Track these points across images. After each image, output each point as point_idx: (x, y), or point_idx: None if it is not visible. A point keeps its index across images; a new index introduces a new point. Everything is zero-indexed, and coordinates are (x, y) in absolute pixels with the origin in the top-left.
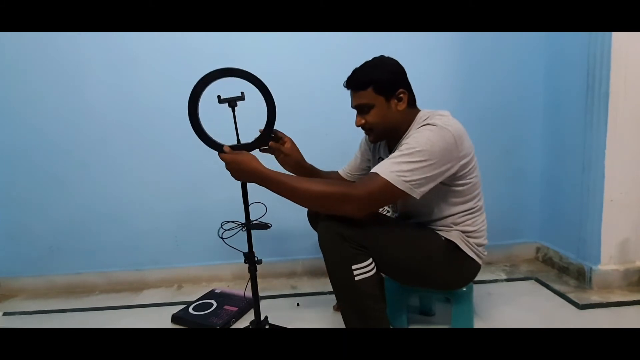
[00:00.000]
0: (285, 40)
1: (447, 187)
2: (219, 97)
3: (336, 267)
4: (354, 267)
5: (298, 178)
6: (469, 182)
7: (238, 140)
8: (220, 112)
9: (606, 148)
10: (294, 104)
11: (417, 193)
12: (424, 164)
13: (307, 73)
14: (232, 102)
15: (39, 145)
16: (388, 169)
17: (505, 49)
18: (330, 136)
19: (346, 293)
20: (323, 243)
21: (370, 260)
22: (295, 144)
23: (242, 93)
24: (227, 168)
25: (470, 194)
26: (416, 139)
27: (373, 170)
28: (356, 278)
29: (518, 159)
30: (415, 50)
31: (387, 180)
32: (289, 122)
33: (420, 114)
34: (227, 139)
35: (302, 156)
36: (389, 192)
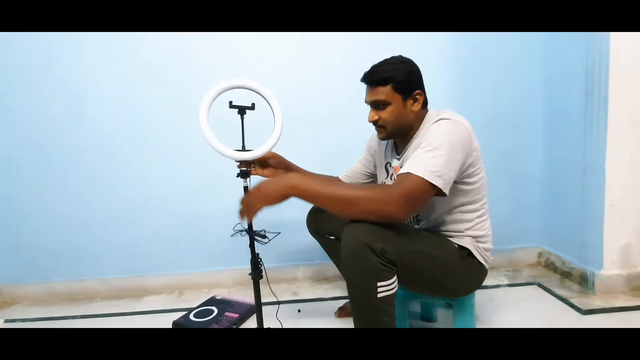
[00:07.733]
0: (287, 43)
1: (456, 186)
2: (230, 102)
3: (360, 281)
4: (379, 284)
5: (328, 184)
6: (478, 181)
7: (243, 146)
8: (227, 117)
9: (606, 152)
10: (296, 108)
11: (447, 190)
12: (448, 156)
13: (308, 77)
14: (242, 110)
15: (39, 153)
16: (419, 166)
17: (504, 55)
18: (331, 142)
19: (364, 308)
20: (348, 253)
21: (395, 277)
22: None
23: (252, 104)
24: (251, 200)
25: (479, 194)
26: (434, 135)
27: (403, 170)
28: (379, 295)
29: (518, 163)
30: (416, 55)
31: (422, 178)
32: (290, 128)
33: (429, 114)
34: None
35: (291, 166)
36: (426, 189)
